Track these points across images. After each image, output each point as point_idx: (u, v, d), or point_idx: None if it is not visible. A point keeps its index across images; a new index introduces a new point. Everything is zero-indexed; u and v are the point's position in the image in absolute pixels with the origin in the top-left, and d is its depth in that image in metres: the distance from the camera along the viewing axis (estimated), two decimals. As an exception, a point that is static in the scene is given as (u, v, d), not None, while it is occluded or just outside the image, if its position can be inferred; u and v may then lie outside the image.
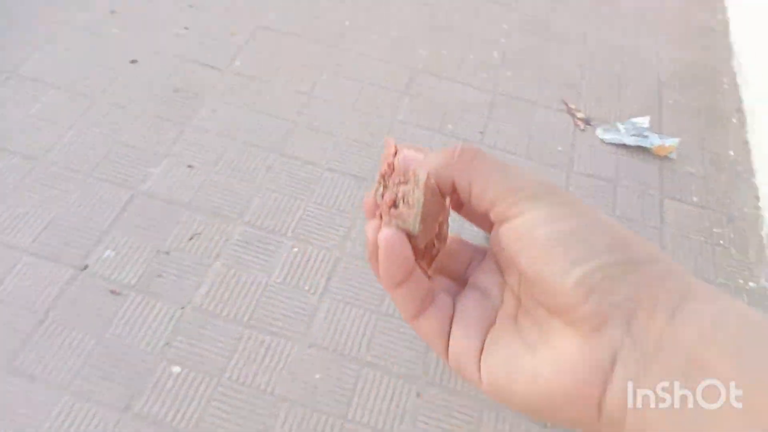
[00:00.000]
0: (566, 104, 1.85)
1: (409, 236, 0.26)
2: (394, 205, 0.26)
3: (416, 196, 0.25)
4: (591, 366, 0.22)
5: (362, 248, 1.42)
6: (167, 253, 1.35)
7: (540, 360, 0.23)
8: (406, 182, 0.26)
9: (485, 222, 0.28)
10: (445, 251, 0.30)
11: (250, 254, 1.38)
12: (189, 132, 1.59)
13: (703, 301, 0.21)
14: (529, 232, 0.23)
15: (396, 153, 0.28)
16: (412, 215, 0.25)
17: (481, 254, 0.30)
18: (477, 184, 0.25)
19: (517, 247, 0.24)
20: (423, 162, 0.27)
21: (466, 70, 1.89)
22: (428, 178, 0.26)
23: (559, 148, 1.73)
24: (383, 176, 0.27)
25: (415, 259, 0.27)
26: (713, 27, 2.24)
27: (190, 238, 1.38)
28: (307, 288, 1.34)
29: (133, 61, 1.73)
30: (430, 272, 0.29)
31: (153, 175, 1.48)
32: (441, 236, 0.29)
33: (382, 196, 0.27)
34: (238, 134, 1.60)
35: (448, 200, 0.27)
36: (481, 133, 1.73)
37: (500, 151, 1.69)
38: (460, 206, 0.29)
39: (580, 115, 1.83)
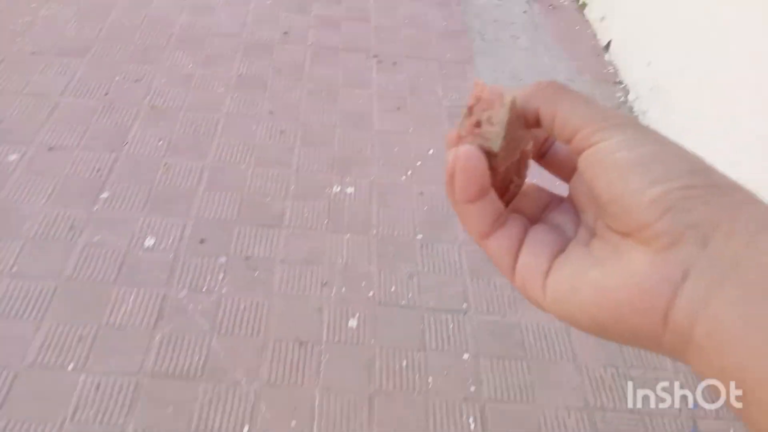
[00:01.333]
0: None
1: (489, 156, 0.26)
2: (478, 125, 0.26)
3: (501, 115, 0.26)
4: (661, 277, 0.21)
5: None
6: None
7: (608, 271, 0.23)
8: (492, 109, 0.26)
9: (565, 170, 0.30)
10: (523, 193, 0.30)
11: None
12: None
13: None
14: (610, 155, 0.23)
15: (484, 88, 0.27)
16: (494, 132, 0.26)
17: (558, 201, 0.30)
18: (562, 112, 0.25)
19: (598, 170, 0.23)
20: (509, 90, 0.27)
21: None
22: (514, 99, 0.26)
23: None
24: (470, 108, 0.27)
25: (492, 184, 0.26)
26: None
27: None
28: None
29: None
30: (506, 209, 0.29)
31: None
32: (520, 173, 0.30)
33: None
34: None
35: (531, 144, 0.29)
36: None
37: None
38: (540, 156, 0.31)
39: None
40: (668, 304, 0.21)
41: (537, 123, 0.27)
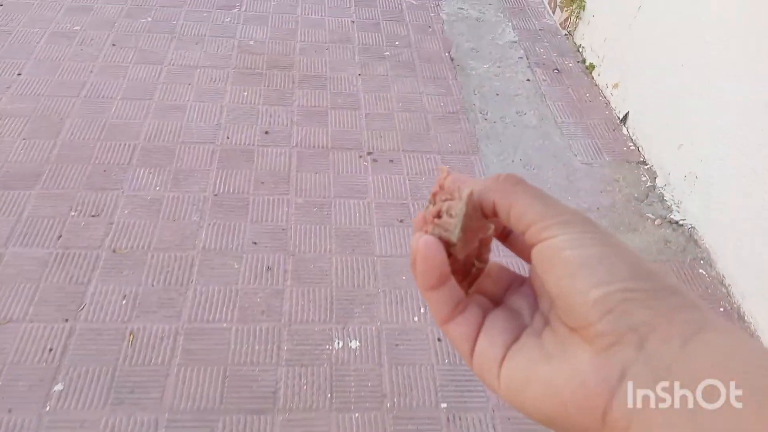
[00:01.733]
0: None
1: (449, 246, 0.27)
2: (439, 215, 0.28)
3: (458, 208, 0.27)
4: (600, 378, 0.22)
5: None
6: None
7: (555, 369, 0.24)
8: (452, 199, 0.28)
9: (527, 252, 0.29)
10: (486, 274, 0.31)
11: None
12: None
13: (718, 333, 0.21)
14: (558, 253, 0.24)
15: (447, 176, 0.29)
16: (452, 223, 0.27)
17: (520, 281, 0.31)
18: (516, 207, 0.26)
19: (546, 266, 0.24)
20: (469, 182, 0.29)
21: None
22: (471, 193, 0.27)
23: None
24: (434, 195, 0.29)
25: (454, 272, 0.28)
26: None
27: None
28: None
29: None
30: (468, 291, 0.30)
31: None
32: (482, 258, 0.31)
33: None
34: None
35: (492, 227, 0.30)
36: None
37: None
38: (504, 237, 0.32)
39: None
40: (607, 404, 0.21)
41: (494, 214, 0.28)
